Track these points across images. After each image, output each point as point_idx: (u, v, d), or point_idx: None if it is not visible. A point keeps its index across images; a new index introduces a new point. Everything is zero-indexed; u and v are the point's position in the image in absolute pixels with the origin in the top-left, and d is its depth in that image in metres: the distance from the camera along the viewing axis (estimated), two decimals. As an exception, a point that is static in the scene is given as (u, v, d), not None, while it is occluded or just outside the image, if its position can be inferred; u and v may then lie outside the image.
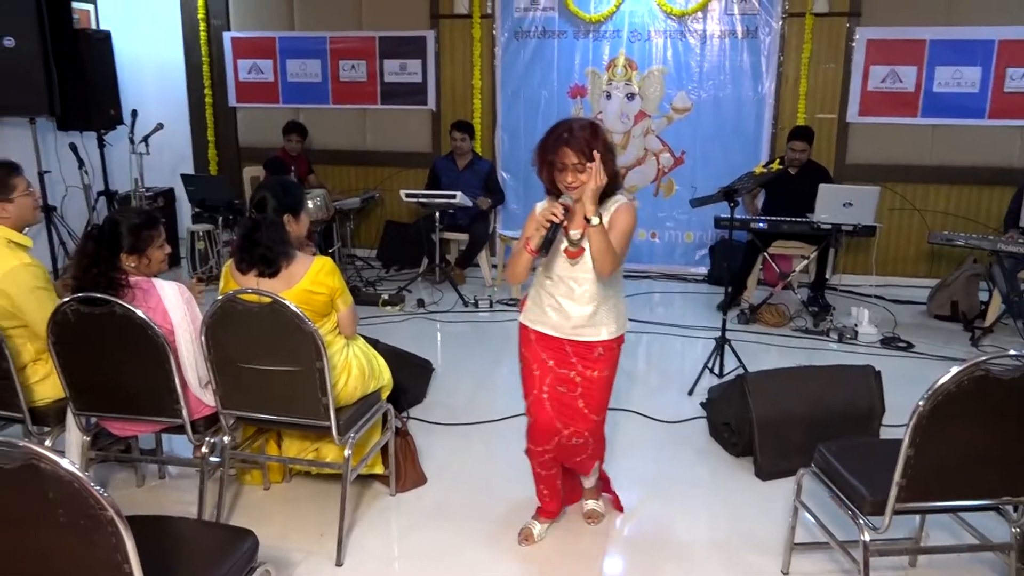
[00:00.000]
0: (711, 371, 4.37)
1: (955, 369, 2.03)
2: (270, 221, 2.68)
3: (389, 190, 7.25)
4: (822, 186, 5.15)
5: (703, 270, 6.81)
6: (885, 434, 3.37)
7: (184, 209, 7.27)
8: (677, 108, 6.67)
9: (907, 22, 6.22)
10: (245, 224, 2.70)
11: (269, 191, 2.72)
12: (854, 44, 6.32)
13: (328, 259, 2.77)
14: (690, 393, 4.17)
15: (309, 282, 2.69)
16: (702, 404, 3.92)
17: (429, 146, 7.20)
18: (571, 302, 2.56)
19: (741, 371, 4.18)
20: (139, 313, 2.54)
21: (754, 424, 3.30)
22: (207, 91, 7.54)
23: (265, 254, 2.66)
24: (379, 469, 3.14)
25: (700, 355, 4.76)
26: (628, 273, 6.85)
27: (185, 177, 6.52)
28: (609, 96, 6.74)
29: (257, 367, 2.61)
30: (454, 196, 5.86)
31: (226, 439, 2.81)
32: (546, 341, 2.62)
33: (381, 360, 3.07)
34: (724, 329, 4.32)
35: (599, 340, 2.59)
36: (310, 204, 5.77)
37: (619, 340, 2.65)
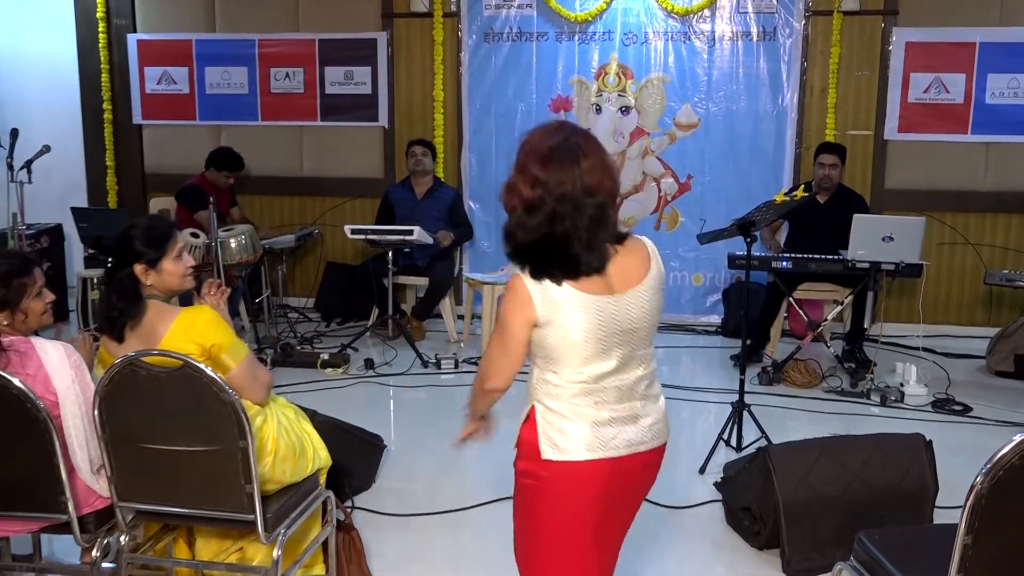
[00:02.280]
0: (727, 444, 4.37)
1: (1019, 437, 2.05)
2: (118, 275, 2.75)
3: (331, 225, 7.26)
4: (857, 217, 5.24)
5: (715, 319, 6.86)
6: (940, 518, 3.38)
7: (75, 250, 7.20)
8: (681, 124, 6.78)
9: (953, 22, 6.42)
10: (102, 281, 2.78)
11: (119, 240, 2.79)
12: (891, 48, 6.50)
13: (205, 308, 2.78)
14: (702, 471, 4.17)
15: (173, 340, 2.67)
16: (717, 485, 3.91)
17: (380, 171, 7.24)
18: None
19: (763, 443, 4.19)
20: (15, 382, 2.51)
21: (780, 509, 3.30)
22: (106, 105, 7.55)
23: (109, 313, 2.72)
24: (319, 571, 3.09)
25: (713, 424, 4.75)
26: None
27: (77, 211, 6.47)
28: (599, 110, 6.85)
29: (164, 447, 2.58)
30: (411, 232, 5.88)
31: (123, 539, 2.76)
32: None
33: (313, 434, 3.04)
34: (742, 392, 4.34)
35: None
36: (232, 243, 5.77)
37: (517, 458, 2.18)
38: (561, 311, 2.03)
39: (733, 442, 4.35)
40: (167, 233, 2.83)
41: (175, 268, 2.83)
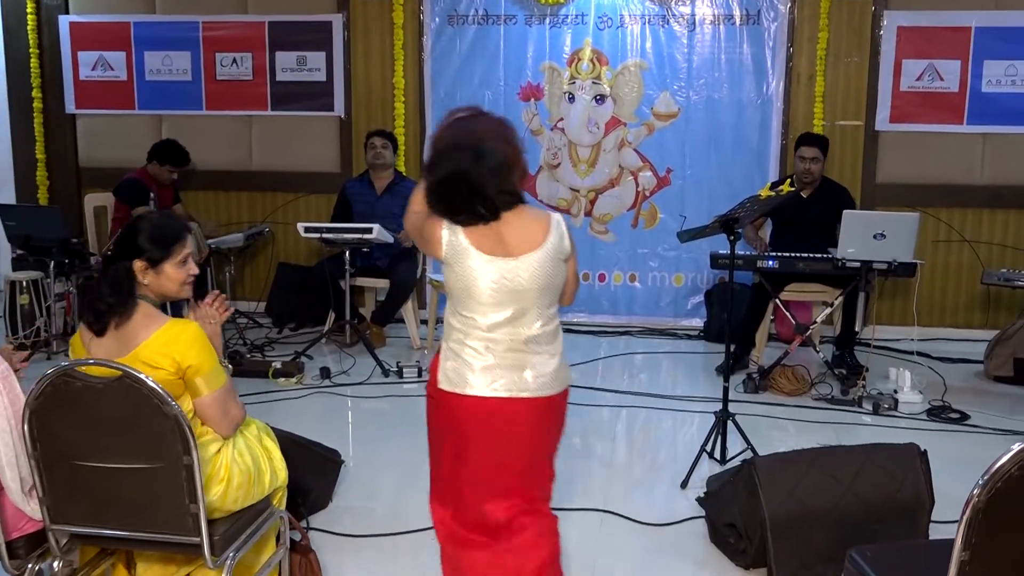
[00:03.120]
0: (710, 456, 4.40)
1: (1018, 446, 2.08)
2: (114, 266, 2.72)
3: (283, 223, 7.23)
4: (847, 213, 5.29)
5: (698, 323, 6.91)
6: (936, 533, 3.42)
7: (2, 251, 7.11)
8: (660, 114, 6.82)
9: (948, 5, 6.52)
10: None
11: (127, 227, 2.77)
12: (882, 32, 6.58)
13: (192, 325, 2.75)
14: (683, 485, 4.19)
15: (148, 351, 2.65)
16: (699, 500, 3.93)
17: (336, 164, 7.23)
18: None
19: (749, 455, 4.22)
20: None
21: (767, 524, 3.33)
22: (36, 93, 7.50)
23: (95, 304, 2.69)
24: (270, 598, 3.07)
25: (695, 435, 4.79)
26: (599, 328, 6.94)
27: (4, 208, 6.42)
28: (572, 98, 6.88)
29: (101, 464, 2.56)
30: (370, 230, 5.87)
31: (57, 565, 2.73)
32: None
33: (274, 451, 3.03)
34: (726, 400, 4.37)
35: None
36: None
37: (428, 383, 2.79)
38: (461, 259, 2.60)
39: (717, 454, 4.38)
40: (177, 234, 2.82)
41: (176, 274, 2.81)
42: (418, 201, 2.73)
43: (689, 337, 6.81)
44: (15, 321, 6.29)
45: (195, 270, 2.88)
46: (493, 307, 2.60)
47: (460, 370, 2.63)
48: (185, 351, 2.68)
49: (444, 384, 2.65)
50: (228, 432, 2.84)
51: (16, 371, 2.76)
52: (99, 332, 2.70)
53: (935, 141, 6.64)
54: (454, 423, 2.67)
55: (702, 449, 4.35)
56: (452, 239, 2.59)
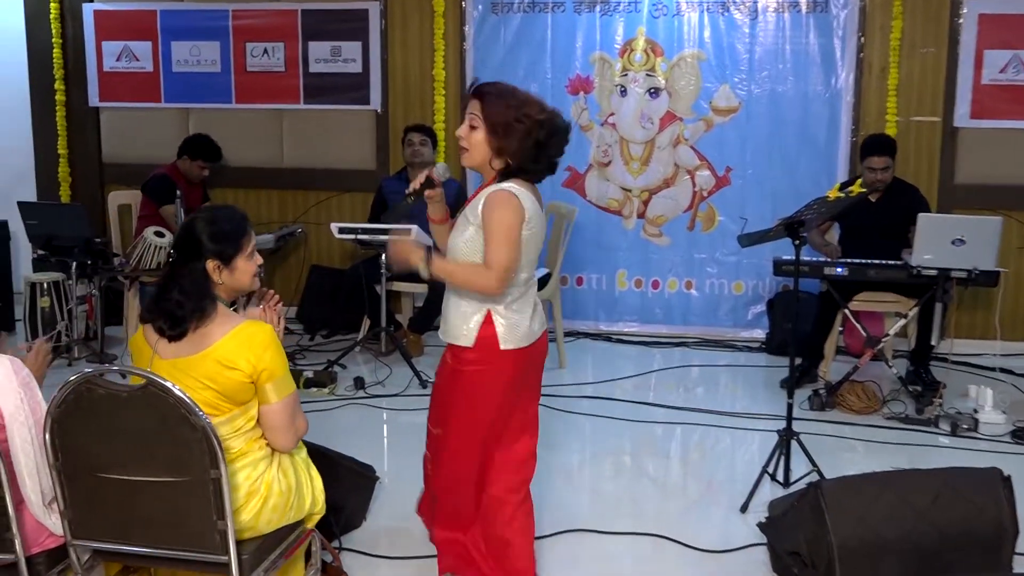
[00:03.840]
0: (773, 478, 4.37)
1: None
2: (189, 268, 2.76)
3: (316, 223, 7.29)
4: (922, 217, 5.22)
5: (759, 334, 6.87)
6: (1020, 565, 3.37)
7: (22, 251, 7.24)
8: (719, 108, 6.79)
9: (1034, -10, 6.42)
10: (165, 269, 2.80)
11: (193, 228, 2.82)
12: (961, 21, 6.50)
13: (267, 326, 2.82)
14: (743, 510, 4.17)
15: (224, 350, 2.71)
16: (760, 526, 3.90)
17: (372, 161, 7.27)
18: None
19: (815, 478, 4.19)
20: None
21: (834, 553, 3.29)
22: (58, 85, 7.61)
23: (172, 311, 2.72)
24: (300, 623, 3.09)
25: (756, 455, 4.77)
26: (652, 338, 6.92)
27: (24, 206, 6.50)
28: (624, 92, 6.87)
29: (124, 477, 2.59)
30: (408, 231, 5.87)
31: (78, 582, 2.76)
32: None
33: (318, 480, 3.06)
34: (790, 418, 4.34)
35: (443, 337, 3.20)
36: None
37: (460, 351, 3.10)
38: (538, 221, 3.05)
39: (779, 476, 4.35)
40: (242, 227, 2.89)
41: (247, 266, 2.89)
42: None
43: (750, 349, 6.78)
44: (35, 325, 6.41)
45: (260, 259, 2.96)
46: (535, 261, 3.14)
47: (519, 324, 3.07)
48: (261, 353, 2.74)
49: (508, 344, 3.04)
50: (291, 444, 2.90)
51: (37, 373, 2.80)
52: (176, 338, 2.74)
53: (1020, 139, 6.54)
54: (517, 376, 3.11)
55: (764, 470, 4.33)
56: (528, 204, 2.98)
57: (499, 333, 3.04)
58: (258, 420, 2.82)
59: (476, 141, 3.03)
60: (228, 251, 2.82)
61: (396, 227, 5.96)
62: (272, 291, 3.18)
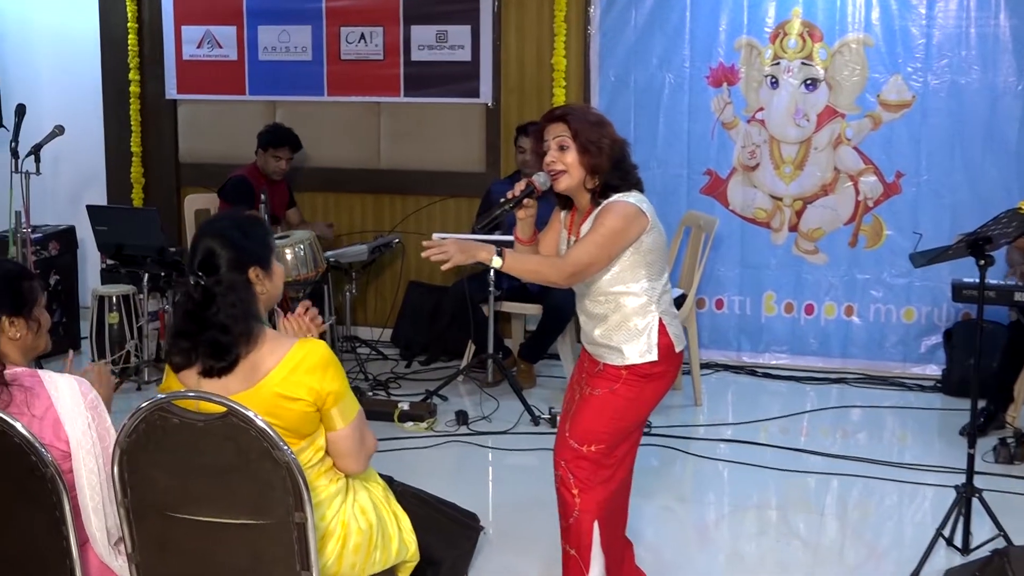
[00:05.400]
0: (949, 543, 4.26)
1: None
2: (228, 283, 2.72)
3: (416, 233, 7.36)
4: None
5: (934, 370, 6.73)
6: None
7: (90, 260, 7.46)
8: (888, 103, 6.68)
9: None
10: (187, 296, 2.73)
11: (215, 238, 2.78)
12: None
13: (321, 343, 2.80)
14: (913, 580, 4.09)
15: (281, 379, 2.71)
16: (934, 599, 3.83)
17: (481, 162, 7.33)
18: (582, 315, 3.60)
19: (1000, 543, 4.07)
20: (18, 427, 2.56)
21: (1024, 636, 3.20)
22: (133, 75, 7.80)
23: (217, 339, 2.68)
24: None
25: (929, 515, 4.68)
26: (805, 373, 6.81)
27: (94, 210, 6.69)
28: (775, 83, 6.80)
29: (198, 518, 2.63)
30: (511, 244, 5.90)
31: (145, 634, 2.82)
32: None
33: (403, 519, 3.08)
34: (971, 471, 4.24)
35: (600, 361, 3.53)
36: (288, 255, 5.92)
37: (639, 368, 3.43)
38: (657, 221, 3.45)
39: (957, 541, 4.24)
40: (265, 225, 2.98)
41: (280, 268, 2.93)
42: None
43: (922, 388, 6.62)
44: (103, 343, 6.54)
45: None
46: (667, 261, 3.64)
47: (678, 323, 3.54)
48: (322, 376, 2.73)
49: (679, 345, 3.50)
50: (362, 467, 2.92)
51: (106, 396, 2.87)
52: (225, 370, 2.70)
53: None
54: (669, 382, 3.54)
55: (938, 533, 4.22)
56: (647, 208, 3.39)
57: (672, 336, 3.45)
58: (326, 450, 2.85)
59: (572, 162, 3.41)
60: (267, 253, 2.85)
61: (504, 239, 6.00)
62: (307, 302, 3.20)
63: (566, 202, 3.62)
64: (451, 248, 3.29)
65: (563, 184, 3.44)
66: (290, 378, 2.70)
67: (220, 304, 2.69)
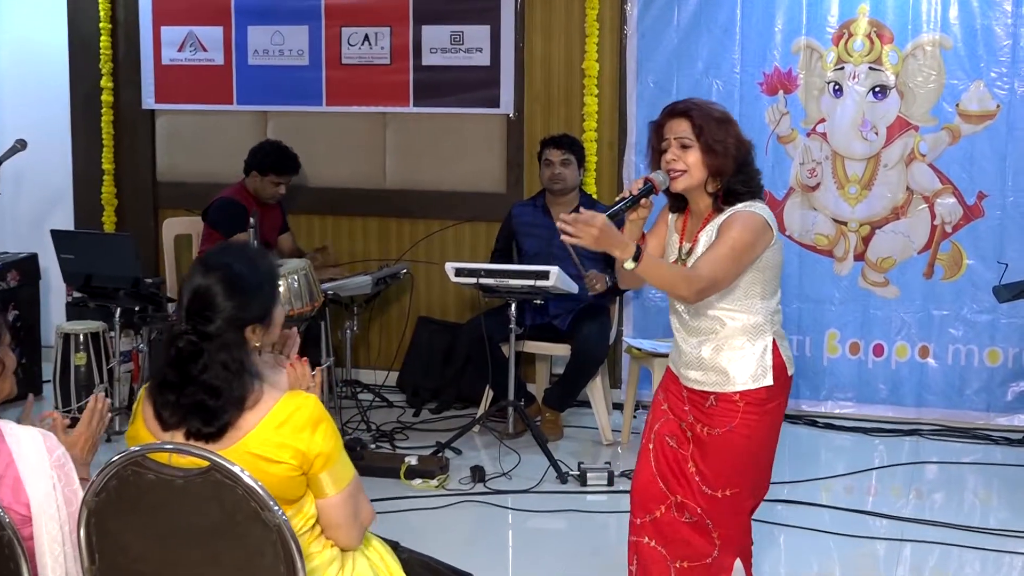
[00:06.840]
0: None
1: None
2: (222, 342, 2.71)
3: (426, 263, 7.38)
4: None
5: (1022, 422, 6.69)
6: None
7: (54, 293, 7.48)
8: (969, 114, 6.68)
9: None
10: (173, 346, 2.71)
11: (220, 281, 2.76)
12: None
13: (311, 397, 2.80)
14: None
15: (262, 439, 2.69)
16: None
17: (501, 181, 7.34)
18: (681, 332, 3.68)
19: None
20: None
21: None
22: (105, 82, 7.84)
23: (204, 402, 2.66)
24: None
25: (1020, 589, 4.64)
26: (873, 423, 6.78)
27: (59, 236, 6.70)
28: (839, 90, 6.81)
29: (177, 590, 2.65)
30: (546, 274, 5.91)
31: None
32: (670, 377, 3.79)
33: (402, 580, 3.08)
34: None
35: (710, 391, 3.61)
36: (281, 287, 5.91)
37: (755, 394, 3.55)
38: (778, 236, 3.60)
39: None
40: (273, 269, 2.95)
41: (281, 313, 2.93)
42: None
43: (1009, 442, 6.59)
44: (67, 387, 6.53)
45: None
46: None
47: (789, 350, 3.65)
48: (310, 436, 2.70)
49: (791, 367, 3.64)
50: (356, 542, 2.90)
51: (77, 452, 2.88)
52: (214, 436, 2.67)
53: None
54: (783, 410, 3.71)
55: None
56: (773, 223, 3.53)
57: (785, 358, 3.60)
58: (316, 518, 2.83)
59: (694, 162, 3.48)
60: (271, 306, 2.84)
61: (528, 269, 6.01)
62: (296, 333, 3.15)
63: (678, 204, 3.71)
64: (593, 230, 3.23)
65: (682, 184, 3.52)
66: (272, 438, 2.68)
67: (209, 362, 2.67)
